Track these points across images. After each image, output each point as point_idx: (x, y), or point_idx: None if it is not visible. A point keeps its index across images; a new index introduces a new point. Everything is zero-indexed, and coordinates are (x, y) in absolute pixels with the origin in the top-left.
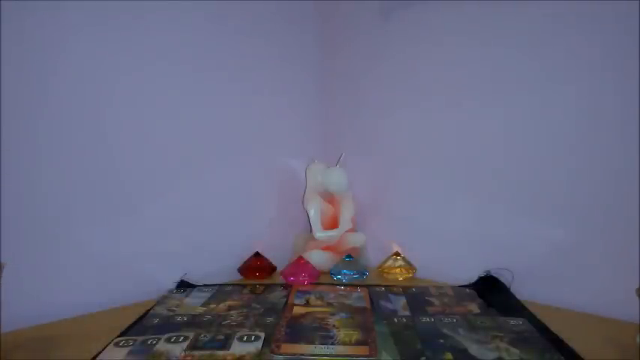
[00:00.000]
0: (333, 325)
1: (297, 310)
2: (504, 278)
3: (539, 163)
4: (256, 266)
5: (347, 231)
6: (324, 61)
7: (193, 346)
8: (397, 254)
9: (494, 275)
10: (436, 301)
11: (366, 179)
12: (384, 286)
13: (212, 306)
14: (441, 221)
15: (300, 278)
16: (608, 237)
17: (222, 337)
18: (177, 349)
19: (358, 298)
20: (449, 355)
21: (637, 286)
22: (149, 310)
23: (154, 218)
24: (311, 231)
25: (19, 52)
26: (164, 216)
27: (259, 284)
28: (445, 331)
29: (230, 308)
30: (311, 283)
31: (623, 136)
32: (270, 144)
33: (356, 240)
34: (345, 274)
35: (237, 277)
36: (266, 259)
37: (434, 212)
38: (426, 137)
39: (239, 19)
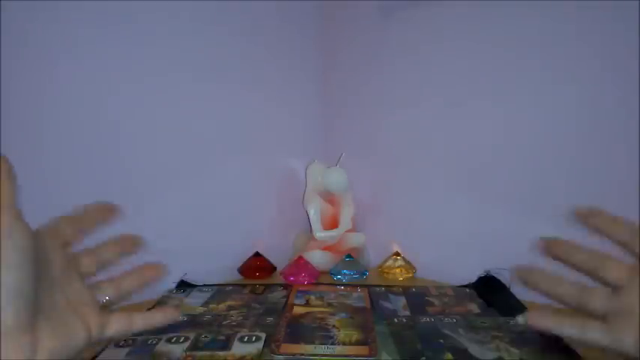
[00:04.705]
0: (333, 325)
1: (297, 310)
2: (504, 278)
3: (539, 162)
4: (256, 266)
5: (347, 231)
6: (324, 61)
7: (194, 347)
8: (397, 254)
9: (494, 275)
10: (436, 301)
11: (366, 179)
12: (384, 286)
13: (212, 306)
14: (441, 221)
15: (300, 278)
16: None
17: (223, 337)
18: (178, 349)
19: (358, 298)
20: (449, 355)
21: None
22: (149, 310)
23: (154, 218)
24: (311, 231)
25: (20, 53)
26: (164, 216)
27: (259, 284)
28: (445, 331)
29: (230, 308)
30: (311, 283)
31: (623, 135)
32: (270, 144)
33: (356, 240)
34: (345, 274)
35: (237, 277)
36: (266, 259)
37: (434, 212)
38: (426, 137)
39: (239, 19)
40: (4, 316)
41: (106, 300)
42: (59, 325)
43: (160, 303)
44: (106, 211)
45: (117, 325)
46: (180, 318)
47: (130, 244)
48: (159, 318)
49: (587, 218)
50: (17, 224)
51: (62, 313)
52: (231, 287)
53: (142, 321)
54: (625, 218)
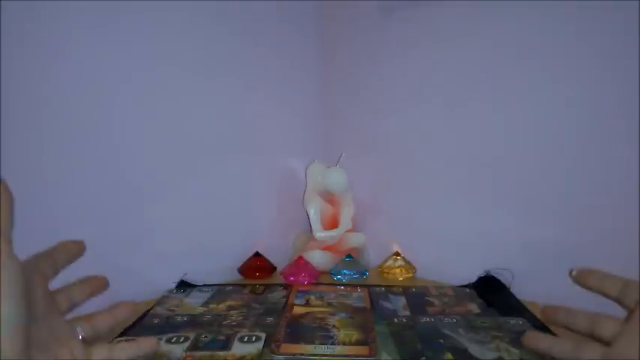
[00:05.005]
0: (333, 325)
1: (297, 310)
2: (504, 278)
3: (539, 163)
4: (256, 266)
5: (347, 231)
6: (324, 61)
7: (194, 347)
8: (397, 254)
9: (494, 275)
10: (436, 301)
11: (366, 179)
12: (384, 286)
13: (212, 306)
14: (441, 221)
15: (300, 278)
16: (608, 237)
17: (223, 337)
18: (178, 349)
19: (358, 298)
20: (449, 355)
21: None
22: (149, 310)
23: (154, 218)
24: (311, 231)
25: (20, 53)
26: (164, 216)
27: (259, 284)
28: (445, 331)
29: (230, 308)
30: (311, 283)
31: (623, 136)
32: (270, 144)
33: (356, 240)
34: (345, 274)
35: (237, 277)
36: (266, 259)
37: (434, 212)
38: (426, 137)
39: (239, 19)
40: (2, 346)
41: (82, 337)
42: (49, 355)
43: (159, 303)
44: (77, 248)
45: (99, 356)
46: (159, 347)
47: (97, 285)
48: (137, 349)
49: (580, 279)
50: (11, 256)
51: (49, 344)
52: (231, 287)
53: (122, 351)
54: (615, 274)
